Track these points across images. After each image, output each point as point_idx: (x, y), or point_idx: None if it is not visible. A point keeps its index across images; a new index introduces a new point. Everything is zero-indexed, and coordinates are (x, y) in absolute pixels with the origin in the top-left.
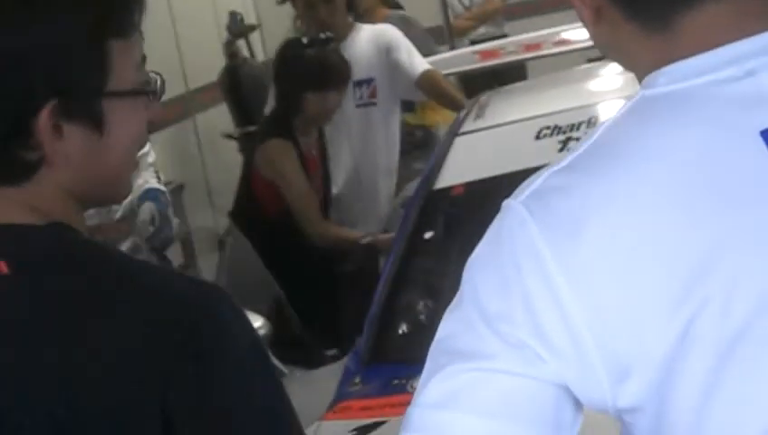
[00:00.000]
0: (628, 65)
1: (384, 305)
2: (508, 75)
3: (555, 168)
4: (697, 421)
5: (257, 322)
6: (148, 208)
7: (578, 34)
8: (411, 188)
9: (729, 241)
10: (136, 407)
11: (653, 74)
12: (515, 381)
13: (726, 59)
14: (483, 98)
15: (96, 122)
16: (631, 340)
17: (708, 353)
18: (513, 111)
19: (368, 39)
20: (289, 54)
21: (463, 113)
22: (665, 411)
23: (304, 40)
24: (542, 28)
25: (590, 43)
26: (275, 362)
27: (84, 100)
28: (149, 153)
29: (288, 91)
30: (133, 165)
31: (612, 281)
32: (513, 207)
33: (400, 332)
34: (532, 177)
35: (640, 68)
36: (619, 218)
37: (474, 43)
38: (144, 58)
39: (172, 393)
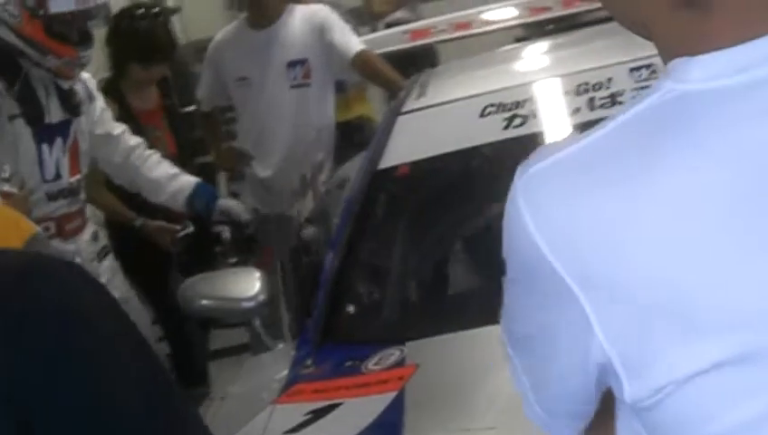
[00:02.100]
0: (646, 35)
1: (333, 287)
2: (419, 60)
3: (564, 150)
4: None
5: (254, 289)
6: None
7: (502, 14)
8: (346, 169)
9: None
10: None
11: (685, 63)
12: None
13: (766, 53)
14: (423, 77)
15: None
16: (645, 356)
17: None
18: (456, 89)
19: (301, 19)
20: (122, 25)
21: (403, 92)
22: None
23: (139, 11)
24: (457, 10)
25: (519, 21)
26: (265, 338)
27: None
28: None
29: (117, 58)
30: None
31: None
32: (514, 189)
33: (350, 312)
34: (542, 149)
35: (662, 42)
36: (642, 234)
37: (389, 26)
38: None
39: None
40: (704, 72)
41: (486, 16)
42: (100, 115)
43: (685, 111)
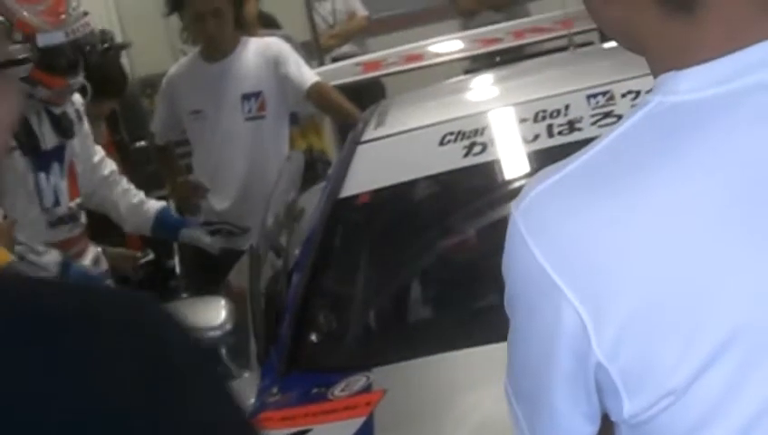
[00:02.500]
0: (640, 51)
1: (296, 315)
2: (367, 94)
3: (557, 174)
4: None
5: (220, 318)
6: None
7: (452, 46)
8: (302, 200)
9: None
10: None
11: (673, 76)
12: None
13: (753, 63)
14: (381, 106)
15: None
16: (644, 368)
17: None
18: (415, 118)
19: (255, 52)
20: None
21: (361, 122)
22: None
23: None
24: (404, 44)
25: (471, 52)
26: (231, 367)
27: None
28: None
29: None
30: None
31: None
32: (514, 221)
33: (315, 340)
34: (533, 180)
35: (655, 55)
36: (638, 247)
37: (335, 60)
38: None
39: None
40: (692, 84)
41: (437, 49)
42: (84, 139)
43: (675, 122)
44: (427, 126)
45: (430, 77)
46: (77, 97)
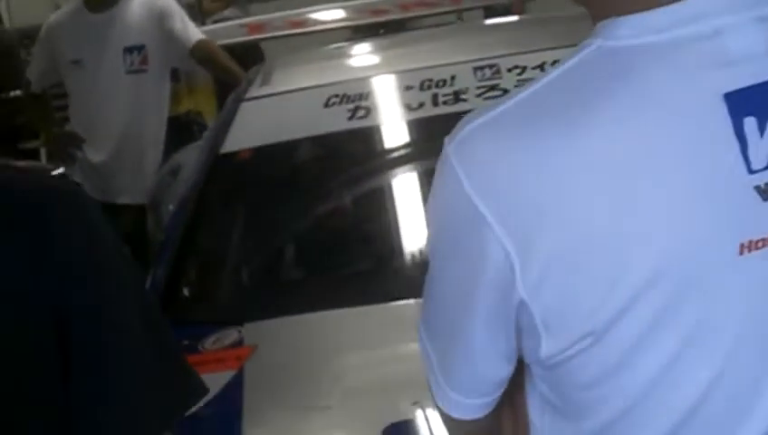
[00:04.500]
0: (582, 2)
1: (171, 269)
2: (248, 57)
3: (494, 111)
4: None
5: None
6: None
7: (336, 14)
8: (178, 158)
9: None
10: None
11: (612, 22)
12: None
13: (693, 14)
14: (266, 66)
15: None
16: (565, 308)
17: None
18: (301, 78)
19: (140, 4)
20: None
21: (246, 81)
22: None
23: None
24: (284, 10)
25: (355, 22)
26: None
27: None
28: None
29: None
30: None
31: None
32: (446, 154)
33: (188, 294)
34: (469, 115)
35: (597, 2)
36: (568, 185)
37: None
38: None
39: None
40: (631, 30)
41: (321, 16)
42: None
43: (612, 66)
44: (313, 87)
45: (311, 45)
46: None
